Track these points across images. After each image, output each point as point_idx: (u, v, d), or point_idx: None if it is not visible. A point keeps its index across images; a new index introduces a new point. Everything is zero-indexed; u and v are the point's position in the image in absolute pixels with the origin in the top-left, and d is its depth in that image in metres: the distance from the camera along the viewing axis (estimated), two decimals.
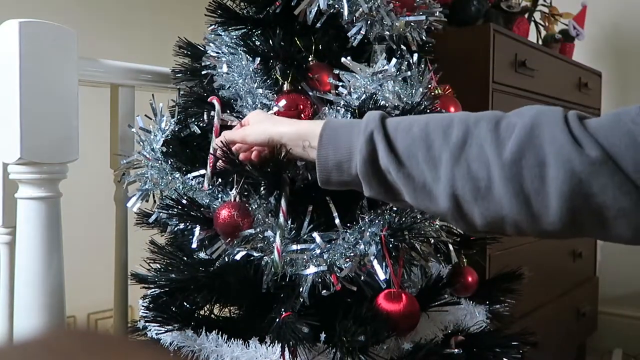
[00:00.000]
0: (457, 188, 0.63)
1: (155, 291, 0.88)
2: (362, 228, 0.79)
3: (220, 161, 0.80)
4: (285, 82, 0.85)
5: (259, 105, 0.87)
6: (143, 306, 0.88)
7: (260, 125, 0.76)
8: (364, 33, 0.88)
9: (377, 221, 0.79)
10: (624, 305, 2.36)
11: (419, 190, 0.65)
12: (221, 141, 0.81)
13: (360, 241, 0.78)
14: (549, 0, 1.93)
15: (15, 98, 0.83)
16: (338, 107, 0.84)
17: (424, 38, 0.95)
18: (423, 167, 0.65)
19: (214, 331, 0.82)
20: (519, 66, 1.51)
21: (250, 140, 0.77)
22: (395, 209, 0.81)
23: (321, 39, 0.90)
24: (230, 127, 0.87)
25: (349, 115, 0.82)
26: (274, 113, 0.83)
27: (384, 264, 0.77)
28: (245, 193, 0.83)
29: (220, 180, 0.86)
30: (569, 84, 1.89)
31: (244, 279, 0.81)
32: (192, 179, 0.88)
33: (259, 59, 0.87)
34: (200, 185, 0.87)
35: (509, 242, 1.43)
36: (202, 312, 0.89)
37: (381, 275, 0.77)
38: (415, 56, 0.94)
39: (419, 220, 0.80)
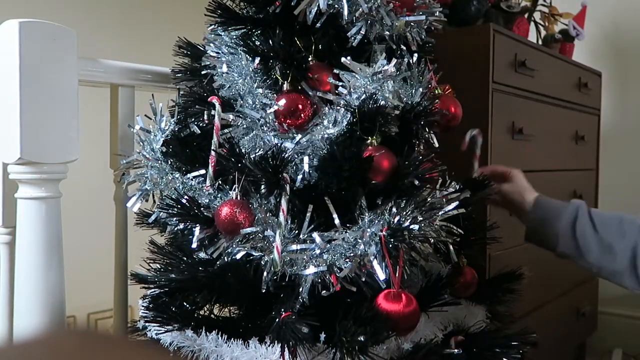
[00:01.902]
0: (637, 253, 0.93)
1: (155, 291, 0.88)
2: (362, 228, 0.79)
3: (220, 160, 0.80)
4: (285, 82, 0.85)
5: (258, 105, 0.87)
6: (143, 306, 0.88)
7: (522, 194, 1.10)
8: (363, 33, 0.88)
9: (376, 221, 0.79)
10: (624, 305, 2.36)
11: (606, 250, 0.96)
12: (225, 139, 0.85)
13: (360, 241, 0.78)
14: (549, 0, 1.93)
15: (15, 98, 0.83)
16: (338, 107, 0.84)
17: (423, 38, 0.95)
18: (613, 234, 0.96)
19: (213, 331, 0.82)
20: (519, 66, 1.51)
21: (509, 198, 1.10)
22: (395, 209, 0.81)
23: (321, 38, 0.90)
24: (230, 127, 0.87)
25: (349, 115, 0.82)
26: (274, 112, 0.83)
27: (383, 264, 0.77)
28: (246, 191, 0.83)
29: (221, 179, 0.86)
30: (569, 84, 1.89)
31: (244, 279, 0.81)
32: (192, 179, 0.88)
33: (258, 58, 0.87)
34: (200, 185, 0.87)
35: (509, 242, 1.43)
36: (202, 312, 0.89)
37: (381, 275, 0.77)
38: (415, 56, 0.94)
39: (418, 221, 0.80)
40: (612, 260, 0.96)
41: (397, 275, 0.78)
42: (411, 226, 0.77)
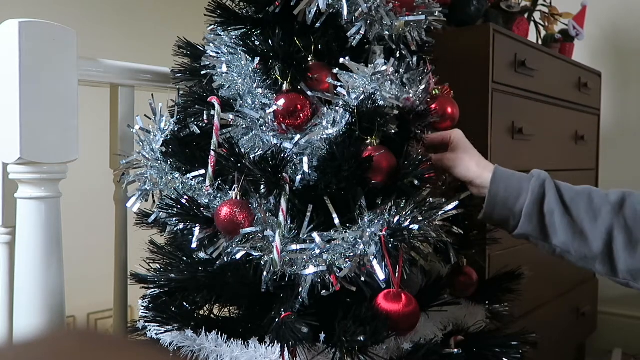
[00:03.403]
0: (612, 237, 0.82)
1: (155, 291, 0.88)
2: (362, 228, 0.79)
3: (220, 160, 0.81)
4: (285, 81, 0.85)
5: (258, 105, 0.87)
6: (143, 306, 0.88)
7: (468, 162, 0.92)
8: (363, 33, 0.88)
9: (376, 221, 0.79)
10: (624, 305, 2.36)
11: (577, 233, 0.84)
12: (224, 139, 0.84)
13: (359, 241, 0.78)
14: (549, 0, 1.93)
15: (15, 98, 0.83)
16: (337, 107, 0.84)
17: (423, 38, 0.95)
18: (584, 215, 0.84)
19: (213, 331, 0.82)
20: (518, 66, 1.51)
21: (455, 173, 0.93)
22: (394, 209, 0.81)
23: (320, 38, 0.90)
24: (230, 127, 0.87)
25: (348, 115, 0.83)
26: (273, 112, 0.84)
27: (383, 264, 0.77)
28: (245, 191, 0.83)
29: (221, 179, 0.86)
30: (569, 83, 1.89)
31: (244, 279, 0.81)
32: (191, 179, 0.88)
33: (258, 58, 0.87)
34: (200, 185, 0.87)
35: (509, 242, 1.43)
36: (201, 312, 0.89)
37: (381, 275, 0.77)
38: (415, 57, 0.94)
39: (418, 220, 0.80)
40: (583, 244, 0.84)
41: (397, 275, 0.78)
42: (411, 226, 0.77)
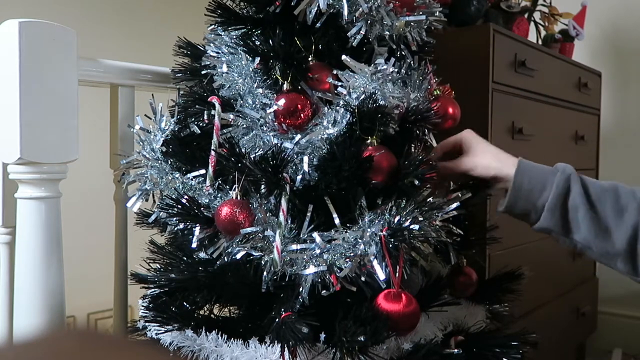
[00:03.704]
0: (638, 235, 0.80)
1: (155, 291, 0.88)
2: (362, 228, 0.79)
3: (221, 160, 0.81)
4: (285, 81, 0.85)
5: (258, 105, 0.87)
6: (143, 306, 0.88)
7: (486, 159, 0.90)
8: (363, 33, 0.88)
9: (377, 221, 0.79)
10: (624, 305, 2.36)
11: (600, 230, 0.82)
12: (225, 139, 0.83)
13: (360, 241, 0.78)
14: (549, 0, 1.93)
15: (15, 98, 0.83)
16: (337, 107, 0.84)
17: (424, 38, 0.95)
18: (609, 212, 0.82)
19: (213, 331, 0.82)
20: (518, 66, 1.51)
21: (477, 174, 0.90)
22: (395, 209, 0.81)
23: (321, 38, 0.90)
24: (230, 127, 0.87)
25: (349, 115, 0.82)
26: (273, 112, 0.84)
27: (383, 264, 0.77)
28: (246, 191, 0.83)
29: (221, 179, 0.86)
30: (569, 83, 1.89)
31: (244, 279, 0.81)
32: (192, 179, 0.88)
33: (258, 58, 0.87)
34: (200, 185, 0.87)
35: (509, 242, 1.43)
36: (201, 312, 0.89)
37: (381, 275, 0.77)
38: (416, 58, 0.94)
39: (419, 221, 0.80)
40: (606, 241, 0.82)
41: (397, 275, 0.78)
42: (411, 226, 0.77)
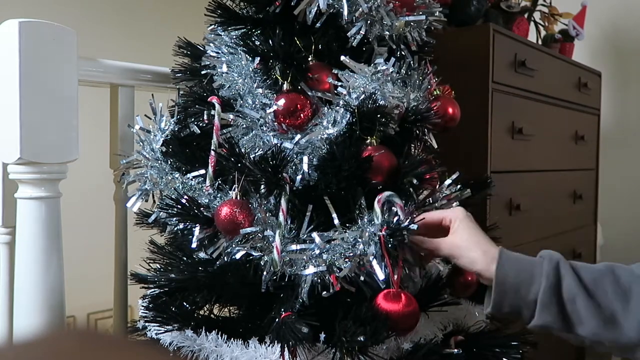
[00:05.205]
0: None
1: (155, 291, 0.88)
2: (361, 228, 0.79)
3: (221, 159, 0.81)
4: (285, 81, 0.85)
5: (258, 105, 0.87)
6: (143, 306, 0.88)
7: (474, 253, 0.78)
8: (363, 33, 0.88)
9: (375, 221, 0.79)
10: None
11: (607, 320, 0.71)
12: (225, 139, 0.82)
13: (359, 241, 0.78)
14: (549, 0, 1.93)
15: (15, 98, 0.83)
16: (337, 107, 0.84)
17: (423, 38, 0.95)
18: (612, 298, 0.72)
19: (213, 331, 0.82)
20: (518, 66, 1.51)
21: (460, 263, 0.79)
22: (393, 209, 0.81)
23: (321, 38, 0.90)
24: (230, 127, 0.87)
25: (349, 115, 0.82)
26: (273, 112, 0.84)
27: (383, 264, 0.77)
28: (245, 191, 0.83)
29: (221, 179, 0.86)
30: (569, 83, 1.89)
31: (244, 279, 0.81)
32: (191, 179, 0.88)
33: (258, 58, 0.87)
34: (200, 185, 0.87)
35: (508, 242, 1.43)
36: (201, 312, 0.89)
37: (380, 275, 0.77)
38: (416, 58, 0.94)
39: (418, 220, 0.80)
40: (616, 332, 0.71)
41: (396, 275, 0.78)
42: (411, 226, 0.77)
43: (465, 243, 0.78)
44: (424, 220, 0.81)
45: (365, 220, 0.79)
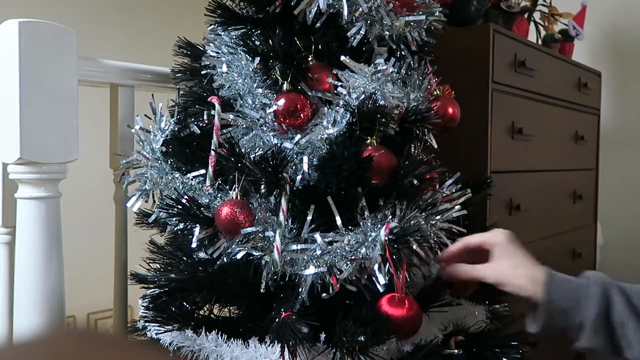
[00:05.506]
0: None
1: (155, 291, 0.88)
2: (364, 232, 0.79)
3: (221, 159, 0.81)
4: (285, 81, 0.85)
5: (258, 105, 0.87)
6: (143, 306, 0.88)
7: (520, 280, 0.79)
8: (363, 33, 0.88)
9: (379, 225, 0.79)
10: None
11: None
12: (225, 139, 0.82)
13: (362, 244, 0.78)
14: (549, 0, 1.93)
15: (15, 98, 0.83)
16: (337, 107, 0.84)
17: (423, 38, 0.95)
18: None
19: (213, 331, 0.82)
20: (518, 66, 1.51)
21: (507, 290, 0.80)
22: (397, 212, 0.81)
23: (321, 38, 0.90)
24: (230, 127, 0.87)
25: (349, 115, 0.82)
26: (273, 112, 0.83)
27: (385, 268, 0.77)
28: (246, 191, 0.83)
29: (221, 179, 0.86)
30: (569, 83, 1.89)
31: (244, 279, 0.81)
32: (192, 179, 0.88)
33: (258, 58, 0.87)
34: (200, 185, 0.87)
35: None
36: (201, 312, 0.89)
37: (382, 280, 0.77)
38: (415, 58, 0.94)
39: (421, 225, 0.80)
40: None
41: (400, 279, 0.78)
42: (414, 231, 0.77)
43: (511, 271, 0.80)
44: (464, 244, 0.83)
45: (368, 223, 0.79)
